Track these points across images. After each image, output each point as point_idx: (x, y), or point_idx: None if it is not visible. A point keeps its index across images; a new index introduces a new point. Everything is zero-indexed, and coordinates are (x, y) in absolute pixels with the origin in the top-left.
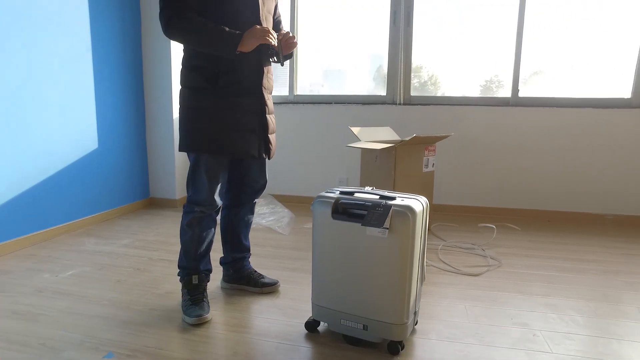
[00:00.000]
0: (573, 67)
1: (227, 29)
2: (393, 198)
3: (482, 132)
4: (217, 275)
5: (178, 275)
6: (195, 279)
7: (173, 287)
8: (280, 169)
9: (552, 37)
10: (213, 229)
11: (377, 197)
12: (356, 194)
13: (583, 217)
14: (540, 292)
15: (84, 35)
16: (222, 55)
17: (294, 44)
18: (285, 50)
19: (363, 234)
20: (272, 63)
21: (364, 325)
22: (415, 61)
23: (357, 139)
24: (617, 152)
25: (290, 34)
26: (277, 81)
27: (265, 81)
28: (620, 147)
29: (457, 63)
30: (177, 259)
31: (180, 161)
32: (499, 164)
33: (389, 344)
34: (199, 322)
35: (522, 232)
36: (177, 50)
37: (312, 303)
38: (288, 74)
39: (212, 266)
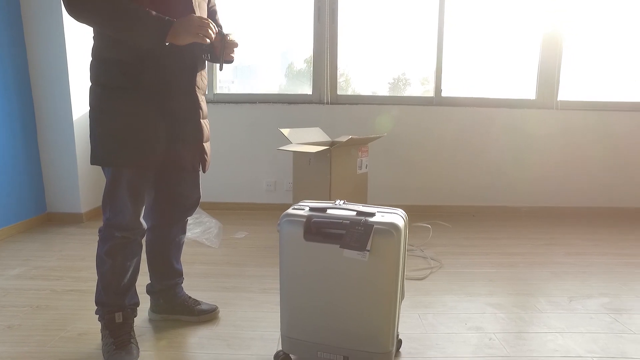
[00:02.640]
0: (489, 69)
1: (153, 12)
2: (372, 214)
3: (408, 131)
4: (143, 305)
5: (96, 313)
6: (119, 317)
7: (88, 326)
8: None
9: (469, 42)
10: (138, 256)
11: (354, 212)
12: (329, 211)
13: (502, 210)
14: (484, 291)
15: None
16: (145, 45)
17: (234, 44)
18: (226, 54)
19: (341, 256)
20: (206, 62)
21: (344, 357)
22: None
23: (286, 140)
24: (526, 148)
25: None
26: None
27: (199, 80)
28: (529, 145)
29: (369, 61)
30: (93, 289)
31: (86, 167)
32: (425, 162)
33: None
34: None
35: (453, 229)
36: (75, 31)
37: (281, 335)
38: (206, 70)
39: (139, 296)
